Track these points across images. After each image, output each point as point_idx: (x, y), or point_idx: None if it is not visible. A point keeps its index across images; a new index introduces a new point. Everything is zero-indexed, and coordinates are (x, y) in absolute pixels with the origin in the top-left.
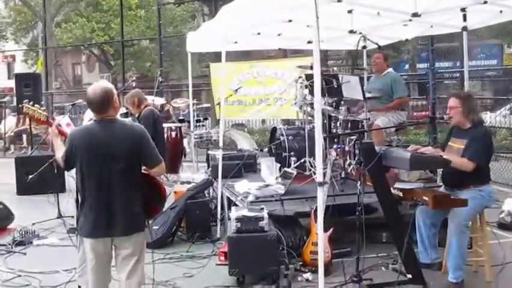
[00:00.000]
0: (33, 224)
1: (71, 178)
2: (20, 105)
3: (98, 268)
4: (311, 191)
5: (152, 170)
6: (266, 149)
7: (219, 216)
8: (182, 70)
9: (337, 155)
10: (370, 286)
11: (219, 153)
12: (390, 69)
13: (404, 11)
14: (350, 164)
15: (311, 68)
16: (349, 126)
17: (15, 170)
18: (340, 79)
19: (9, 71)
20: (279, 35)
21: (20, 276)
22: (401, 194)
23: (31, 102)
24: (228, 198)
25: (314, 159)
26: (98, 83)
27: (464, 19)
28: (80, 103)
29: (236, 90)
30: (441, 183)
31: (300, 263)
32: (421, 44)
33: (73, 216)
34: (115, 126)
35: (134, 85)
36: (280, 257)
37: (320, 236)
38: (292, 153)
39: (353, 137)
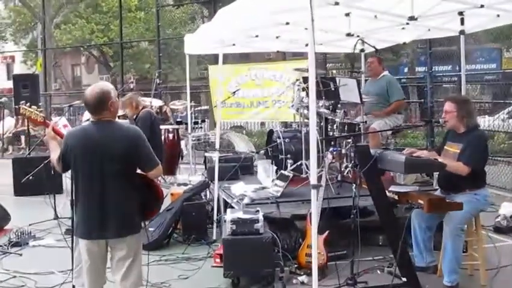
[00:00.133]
0: (30, 225)
1: (68, 179)
2: (16, 107)
3: (93, 269)
4: (307, 194)
5: (148, 173)
6: (263, 151)
7: (215, 218)
8: (181, 72)
9: (333, 157)
10: None
11: (215, 155)
12: (386, 73)
13: (401, 15)
14: (346, 167)
15: (308, 70)
16: (346, 129)
17: (13, 171)
18: (337, 82)
19: (9, 72)
20: (277, 37)
21: (15, 277)
22: (396, 197)
23: (28, 104)
24: (224, 201)
25: None
26: (97, 84)
27: (462, 23)
28: (78, 104)
29: (234, 92)
30: (437, 187)
31: (296, 265)
32: (420, 47)
33: (69, 218)
34: (111, 128)
35: (132, 87)
36: (276, 260)
37: (314, 239)
38: (288, 155)
39: (349, 140)
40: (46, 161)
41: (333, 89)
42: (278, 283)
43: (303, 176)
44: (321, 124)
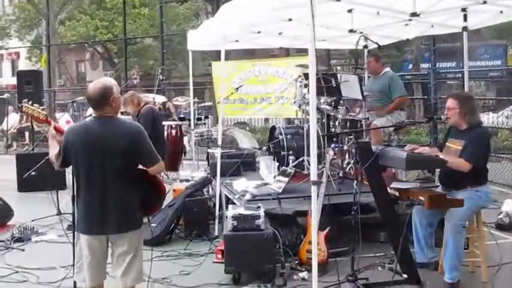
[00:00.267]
0: (33, 220)
1: (71, 175)
2: (19, 105)
3: (94, 265)
4: (309, 190)
5: (149, 169)
6: (265, 148)
7: (217, 214)
8: (185, 68)
9: (335, 154)
10: (366, 285)
11: (217, 152)
12: (387, 69)
13: (404, 11)
14: (348, 164)
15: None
16: (348, 125)
17: (16, 167)
18: (339, 78)
19: (14, 68)
20: (280, 33)
21: (17, 272)
22: (397, 194)
23: (30, 102)
24: (227, 197)
25: None
26: (99, 80)
27: (465, 19)
28: (81, 100)
29: (237, 88)
30: (439, 184)
31: (297, 261)
32: (424, 44)
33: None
34: (112, 123)
35: (135, 83)
36: (277, 256)
37: (314, 235)
38: (290, 152)
39: (351, 137)
40: (47, 157)
41: (334, 85)
42: (279, 279)
43: (305, 172)
44: (323, 120)
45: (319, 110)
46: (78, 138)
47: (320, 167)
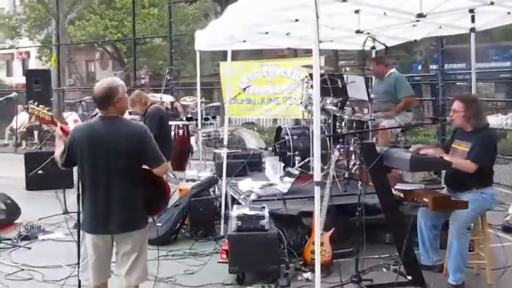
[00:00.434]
0: (40, 219)
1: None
2: (25, 106)
3: (98, 263)
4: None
5: (154, 170)
6: (271, 148)
7: (222, 214)
8: (194, 68)
9: (340, 155)
10: (370, 287)
11: (223, 152)
12: (393, 70)
13: (410, 12)
14: (354, 165)
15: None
16: (354, 126)
17: (25, 166)
18: (345, 79)
19: (24, 67)
20: (287, 34)
21: (23, 270)
22: (401, 195)
23: (36, 103)
24: (232, 197)
25: None
26: (106, 79)
27: (473, 20)
28: (90, 100)
29: (244, 89)
30: (444, 185)
31: (301, 262)
32: (433, 45)
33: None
34: (117, 124)
35: (143, 82)
36: (281, 256)
37: (317, 236)
38: (296, 152)
39: (357, 137)
40: (52, 156)
41: (340, 86)
42: (283, 279)
43: (311, 173)
44: (329, 121)
45: (325, 110)
46: (83, 137)
47: (325, 167)
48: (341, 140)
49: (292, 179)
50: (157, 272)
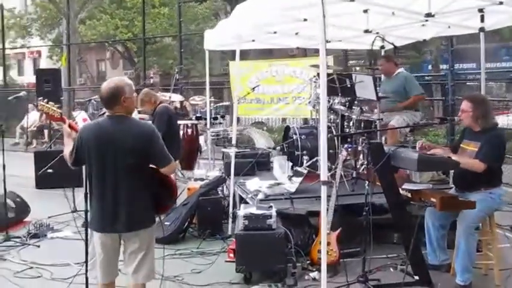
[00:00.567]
0: (49, 217)
1: None
2: (34, 103)
3: (106, 262)
4: None
5: (162, 169)
6: (279, 148)
7: (230, 213)
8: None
9: (348, 154)
10: (377, 286)
11: (232, 151)
12: (401, 69)
13: (419, 11)
14: (362, 164)
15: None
16: (362, 126)
17: (35, 164)
18: (354, 79)
19: (35, 67)
20: (296, 34)
21: (31, 268)
22: (409, 195)
23: (45, 100)
24: (240, 196)
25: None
26: (113, 79)
27: (482, 20)
28: (97, 99)
29: (253, 88)
30: (453, 185)
31: (308, 261)
32: (444, 44)
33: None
34: (125, 123)
35: (152, 81)
36: (288, 255)
37: (324, 235)
38: (304, 152)
39: (365, 137)
40: (61, 155)
41: (349, 85)
42: (290, 279)
43: (319, 172)
44: (337, 121)
45: (333, 110)
46: (91, 136)
47: (333, 167)
48: (348, 139)
49: (300, 179)
50: (162, 269)
